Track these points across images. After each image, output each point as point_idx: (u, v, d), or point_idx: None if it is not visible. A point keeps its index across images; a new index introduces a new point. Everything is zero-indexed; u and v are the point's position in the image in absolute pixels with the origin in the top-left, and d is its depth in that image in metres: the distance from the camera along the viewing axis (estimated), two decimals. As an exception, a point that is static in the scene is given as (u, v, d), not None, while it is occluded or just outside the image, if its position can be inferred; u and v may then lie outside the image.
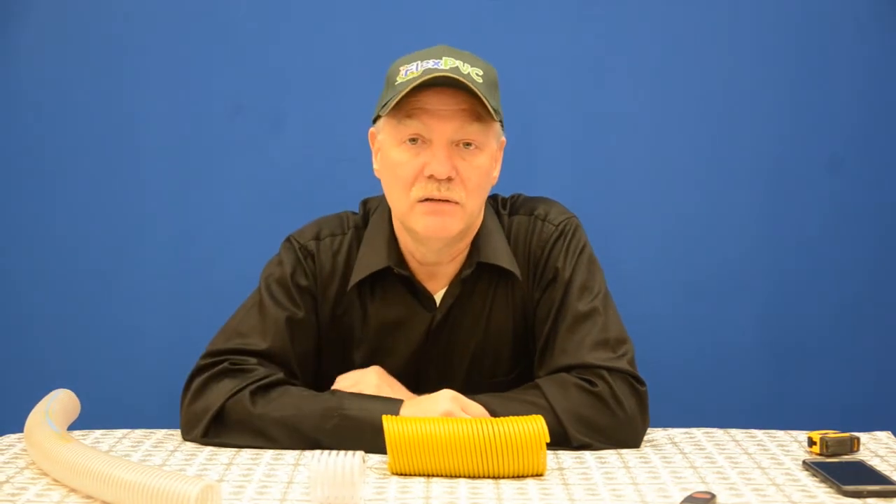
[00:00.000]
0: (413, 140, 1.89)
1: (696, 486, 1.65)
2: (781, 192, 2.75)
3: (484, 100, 1.85)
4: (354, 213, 2.08)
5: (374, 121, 1.97)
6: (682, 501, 1.55)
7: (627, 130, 2.74)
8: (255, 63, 2.73)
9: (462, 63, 1.89)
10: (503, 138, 1.99)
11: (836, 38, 2.72)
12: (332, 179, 2.68)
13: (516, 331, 2.02)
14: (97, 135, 2.73)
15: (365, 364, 2.01)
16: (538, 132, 2.73)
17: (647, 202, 2.75)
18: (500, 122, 1.95)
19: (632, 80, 2.73)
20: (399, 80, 1.89)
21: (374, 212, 2.04)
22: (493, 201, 2.07)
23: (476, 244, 1.99)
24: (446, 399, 1.82)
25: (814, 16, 2.72)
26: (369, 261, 1.99)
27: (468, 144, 1.89)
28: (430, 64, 1.88)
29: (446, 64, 1.88)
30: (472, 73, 1.88)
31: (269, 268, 2.03)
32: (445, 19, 2.71)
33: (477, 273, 1.99)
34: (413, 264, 1.99)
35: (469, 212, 1.91)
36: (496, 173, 1.99)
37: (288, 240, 2.05)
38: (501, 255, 1.99)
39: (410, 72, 1.88)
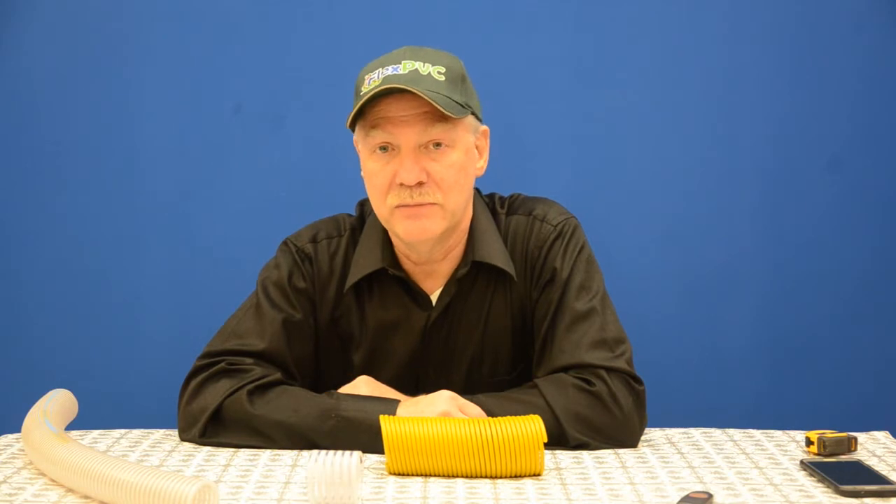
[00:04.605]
0: (383, 148, 1.90)
1: (694, 486, 1.65)
2: (781, 192, 2.75)
3: (436, 105, 1.83)
4: (351, 216, 2.08)
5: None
6: (680, 501, 1.55)
7: (626, 130, 2.74)
8: (255, 63, 2.73)
9: (422, 64, 1.89)
10: (483, 127, 1.98)
11: (836, 38, 2.72)
12: (331, 179, 2.68)
13: (515, 330, 2.02)
14: (96, 134, 2.73)
15: (364, 365, 2.02)
16: (537, 132, 2.73)
17: (646, 202, 2.75)
18: (474, 112, 1.94)
19: (631, 79, 2.73)
20: (363, 89, 1.89)
21: (370, 213, 2.03)
22: (491, 201, 2.07)
23: (471, 243, 1.99)
24: (443, 399, 1.82)
25: (813, 16, 2.72)
26: (364, 262, 1.99)
27: (437, 145, 1.89)
28: (389, 70, 1.88)
29: (405, 68, 1.88)
30: (432, 72, 1.88)
31: (266, 271, 2.03)
32: (445, 19, 2.71)
33: (474, 273, 1.99)
34: (408, 265, 2.00)
35: (450, 210, 1.91)
36: (482, 164, 1.99)
37: (285, 243, 2.05)
38: (496, 254, 1.99)
39: (372, 80, 1.88)
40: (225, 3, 2.72)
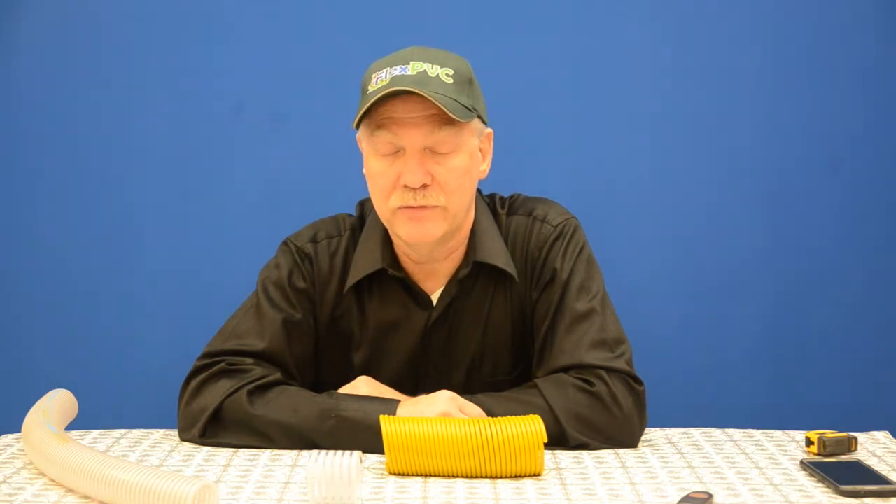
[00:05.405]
0: (388, 150, 1.89)
1: (694, 486, 1.65)
2: (782, 194, 2.75)
3: (445, 109, 1.83)
4: (351, 215, 2.08)
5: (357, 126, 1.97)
6: (680, 501, 1.55)
7: (628, 131, 2.74)
8: (256, 62, 2.72)
9: (430, 65, 1.88)
10: (487, 130, 1.98)
11: (836, 38, 2.72)
12: (332, 179, 2.68)
13: (515, 331, 2.02)
14: (95, 134, 2.72)
15: (364, 365, 2.02)
16: (538, 132, 2.72)
17: (647, 204, 2.74)
18: (479, 115, 1.93)
19: (632, 80, 2.73)
20: (370, 88, 1.88)
21: (370, 213, 2.03)
22: (492, 201, 2.07)
23: (472, 243, 1.99)
24: (444, 399, 1.82)
25: (814, 16, 2.72)
26: (364, 263, 1.99)
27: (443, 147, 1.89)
28: (397, 71, 1.87)
29: (413, 69, 1.87)
30: (440, 74, 1.87)
31: (266, 271, 2.03)
32: (445, 19, 2.70)
33: (475, 273, 1.99)
34: (408, 265, 1.99)
35: (452, 213, 1.91)
36: (485, 166, 1.99)
37: (285, 243, 2.05)
38: (497, 254, 1.99)
39: (380, 80, 1.87)
40: (225, 3, 2.72)
